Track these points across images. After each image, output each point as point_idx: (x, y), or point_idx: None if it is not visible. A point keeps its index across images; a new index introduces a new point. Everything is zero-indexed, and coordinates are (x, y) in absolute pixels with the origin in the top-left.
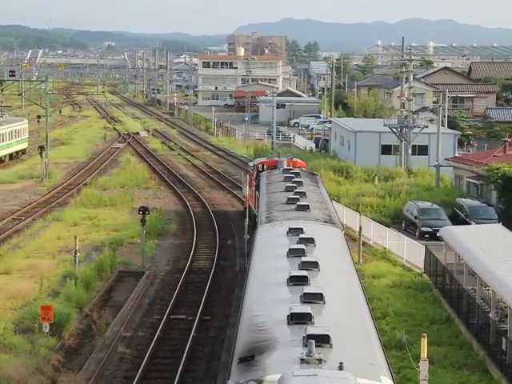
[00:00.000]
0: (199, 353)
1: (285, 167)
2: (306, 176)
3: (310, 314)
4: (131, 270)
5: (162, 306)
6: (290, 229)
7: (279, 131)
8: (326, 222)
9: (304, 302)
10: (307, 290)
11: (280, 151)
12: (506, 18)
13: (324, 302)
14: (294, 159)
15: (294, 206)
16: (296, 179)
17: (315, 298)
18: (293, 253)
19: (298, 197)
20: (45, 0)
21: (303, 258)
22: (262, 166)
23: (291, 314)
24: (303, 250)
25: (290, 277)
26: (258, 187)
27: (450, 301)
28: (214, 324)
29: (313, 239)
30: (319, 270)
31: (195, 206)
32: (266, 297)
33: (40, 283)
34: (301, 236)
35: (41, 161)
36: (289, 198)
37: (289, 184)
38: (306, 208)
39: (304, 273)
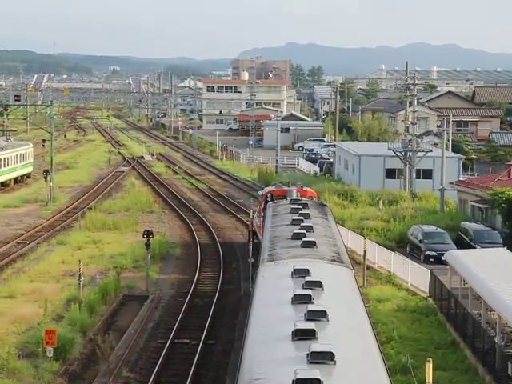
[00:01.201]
0: (203, 377)
1: (293, 197)
2: (314, 207)
3: (318, 379)
4: (135, 294)
5: (166, 330)
6: (294, 270)
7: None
8: (333, 260)
9: (311, 363)
10: (315, 347)
11: (285, 174)
12: (509, 43)
13: (334, 363)
14: (305, 188)
15: (299, 242)
16: (303, 211)
17: (324, 357)
18: (298, 299)
19: (304, 231)
20: (50, 25)
21: (310, 307)
22: (271, 195)
23: (297, 379)
24: (310, 296)
25: (296, 330)
26: (264, 218)
27: (455, 325)
28: (219, 348)
29: (320, 283)
30: (328, 321)
31: (199, 230)
32: (267, 354)
33: (44, 307)
34: (307, 279)
35: (45, 185)
36: (294, 233)
37: (295, 217)
38: (312, 244)
39: (311, 325)
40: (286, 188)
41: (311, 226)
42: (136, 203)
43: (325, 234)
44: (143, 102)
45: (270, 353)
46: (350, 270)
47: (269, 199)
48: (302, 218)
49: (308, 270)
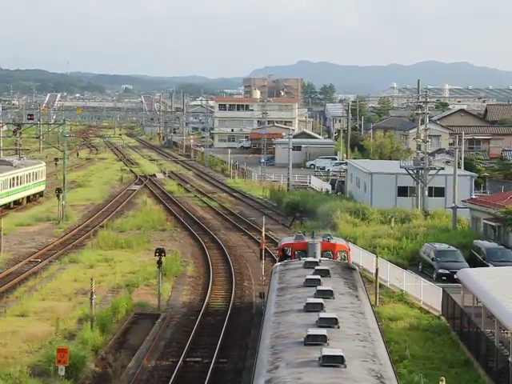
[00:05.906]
0: None
1: (308, 260)
2: (338, 275)
3: None
4: (147, 312)
5: (178, 348)
6: None
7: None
8: None
9: None
10: None
11: (297, 192)
12: None
13: None
14: (333, 240)
15: (317, 355)
16: (323, 286)
17: None
18: None
19: (324, 333)
20: (63, 45)
21: None
22: (292, 249)
23: None
24: None
25: None
26: (267, 292)
27: (469, 344)
28: (230, 367)
29: None
30: None
31: (211, 248)
32: None
33: (56, 326)
34: None
35: (58, 203)
36: (309, 336)
37: (311, 299)
38: (338, 361)
39: None
40: (307, 240)
41: (335, 320)
42: (148, 221)
43: (356, 333)
44: (155, 120)
45: None
46: None
47: (288, 253)
48: (321, 299)
49: None
